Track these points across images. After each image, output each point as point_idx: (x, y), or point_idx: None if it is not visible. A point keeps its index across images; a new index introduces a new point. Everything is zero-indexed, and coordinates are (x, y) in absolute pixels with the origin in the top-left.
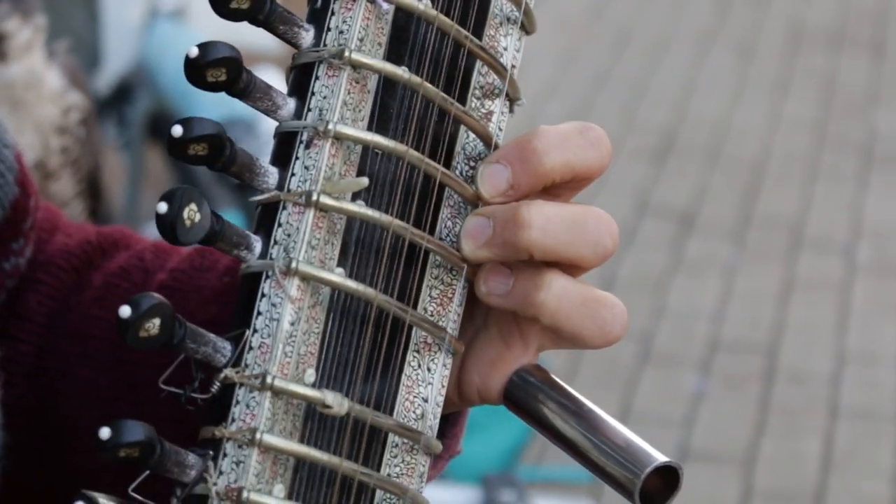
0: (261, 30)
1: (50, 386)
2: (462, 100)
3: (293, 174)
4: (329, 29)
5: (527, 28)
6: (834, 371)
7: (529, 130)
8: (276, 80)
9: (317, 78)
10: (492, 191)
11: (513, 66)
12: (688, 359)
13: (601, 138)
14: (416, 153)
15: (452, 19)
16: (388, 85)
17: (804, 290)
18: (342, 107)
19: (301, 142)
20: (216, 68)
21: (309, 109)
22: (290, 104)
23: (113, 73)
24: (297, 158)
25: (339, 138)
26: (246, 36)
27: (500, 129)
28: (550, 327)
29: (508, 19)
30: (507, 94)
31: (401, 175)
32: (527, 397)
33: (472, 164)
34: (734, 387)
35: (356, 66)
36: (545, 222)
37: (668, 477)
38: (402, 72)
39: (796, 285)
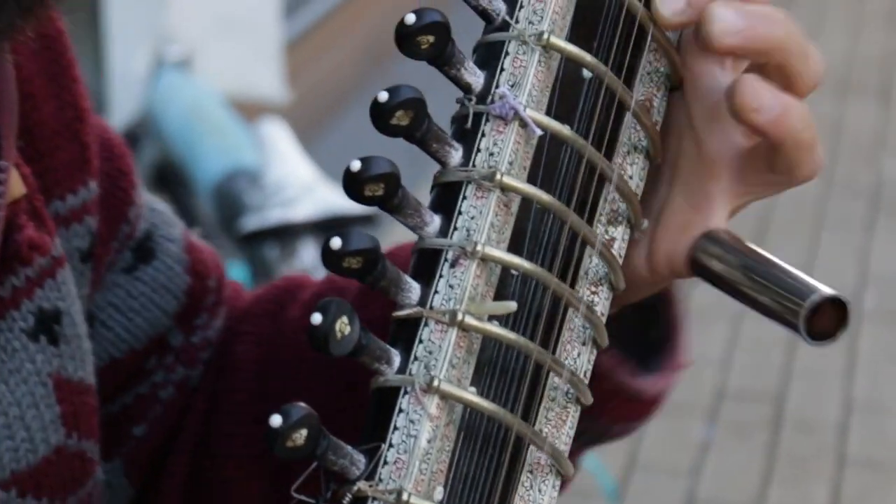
0: (266, 78)
1: None
2: (590, 224)
3: (437, 292)
4: (479, 150)
5: (652, 157)
6: (841, 419)
7: None
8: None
9: (464, 198)
10: (672, 9)
11: (636, 193)
12: (695, 407)
13: None
14: (550, 276)
15: (589, 143)
16: (529, 208)
17: None
18: (489, 228)
19: (446, 260)
20: (375, 183)
21: (455, 228)
22: (436, 221)
23: (118, 122)
24: (440, 276)
25: (485, 259)
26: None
27: (621, 256)
28: (786, 156)
29: (636, 148)
30: (629, 221)
31: (533, 297)
32: (711, 261)
33: (593, 288)
34: (741, 435)
35: (505, 189)
36: (791, 29)
37: (836, 311)
38: (549, 197)
39: None
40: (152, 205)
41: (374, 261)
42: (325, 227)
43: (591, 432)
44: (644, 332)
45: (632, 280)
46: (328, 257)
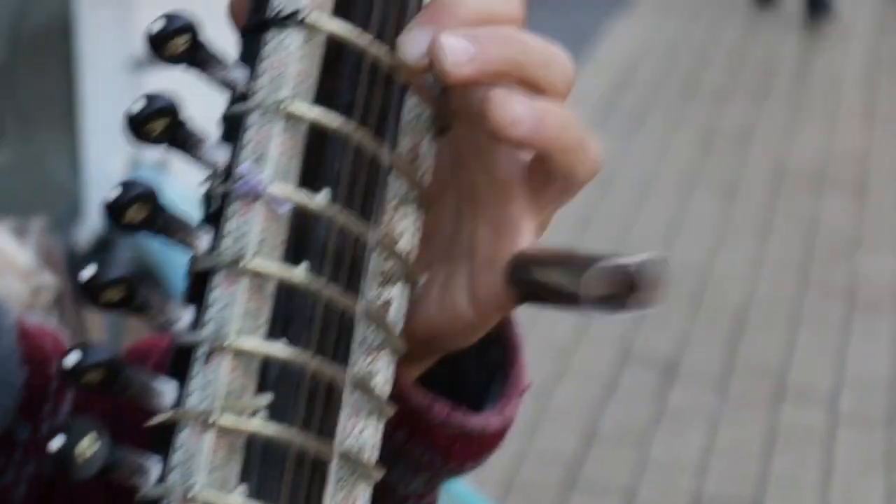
0: None
1: None
2: (362, 291)
3: (192, 392)
4: (225, 234)
5: (422, 206)
6: None
7: None
8: None
9: (213, 287)
10: (415, 52)
11: (411, 248)
12: None
13: None
14: (316, 362)
15: (347, 208)
16: (286, 289)
17: (787, 442)
18: (242, 317)
19: (199, 357)
20: (113, 288)
21: (206, 321)
22: (187, 316)
23: (95, 224)
24: (195, 374)
25: (239, 352)
26: None
27: (401, 317)
28: (555, 163)
29: (405, 200)
30: (405, 278)
31: (299, 382)
32: (527, 278)
33: (370, 358)
34: None
35: (255, 274)
36: (525, 39)
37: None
38: (303, 276)
39: (779, 437)
40: None
41: (116, 371)
42: None
43: (443, 475)
44: (482, 356)
45: (461, 327)
46: (68, 373)
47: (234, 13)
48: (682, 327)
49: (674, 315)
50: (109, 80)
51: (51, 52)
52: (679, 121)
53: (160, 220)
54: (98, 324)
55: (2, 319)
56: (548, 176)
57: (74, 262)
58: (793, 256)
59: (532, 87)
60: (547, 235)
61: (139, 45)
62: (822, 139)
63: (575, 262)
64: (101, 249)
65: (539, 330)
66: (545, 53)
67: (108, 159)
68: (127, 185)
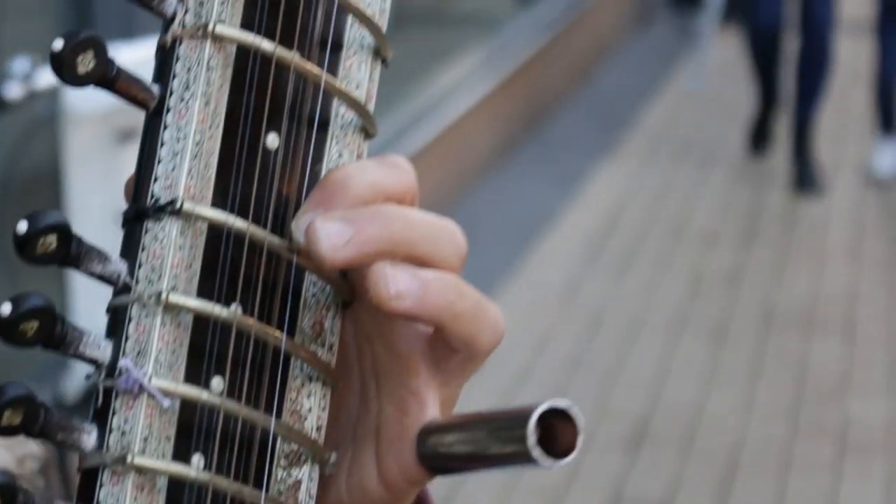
0: None
1: None
2: (269, 476)
3: None
4: (111, 430)
5: (329, 383)
6: None
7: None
8: None
9: (101, 485)
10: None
11: (318, 427)
12: None
13: (399, 160)
14: None
15: (249, 399)
16: (177, 484)
17: None
18: None
19: None
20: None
21: None
22: None
23: (83, 376)
24: None
25: None
26: None
27: (311, 497)
28: (451, 334)
29: (310, 378)
30: (313, 458)
31: None
32: (438, 451)
33: None
34: None
35: (141, 471)
36: (406, 216)
37: (566, 422)
38: (190, 471)
39: None
40: None
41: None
42: None
43: None
44: None
45: (372, 501)
46: None
47: (127, 195)
48: (673, 470)
49: (665, 458)
50: (98, 231)
51: (40, 201)
52: (667, 263)
53: (38, 423)
54: None
55: None
56: (448, 347)
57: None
58: (783, 399)
59: (421, 262)
60: (536, 378)
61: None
62: (810, 281)
63: (486, 424)
64: (89, 403)
65: (528, 474)
66: (431, 228)
67: (97, 310)
68: None
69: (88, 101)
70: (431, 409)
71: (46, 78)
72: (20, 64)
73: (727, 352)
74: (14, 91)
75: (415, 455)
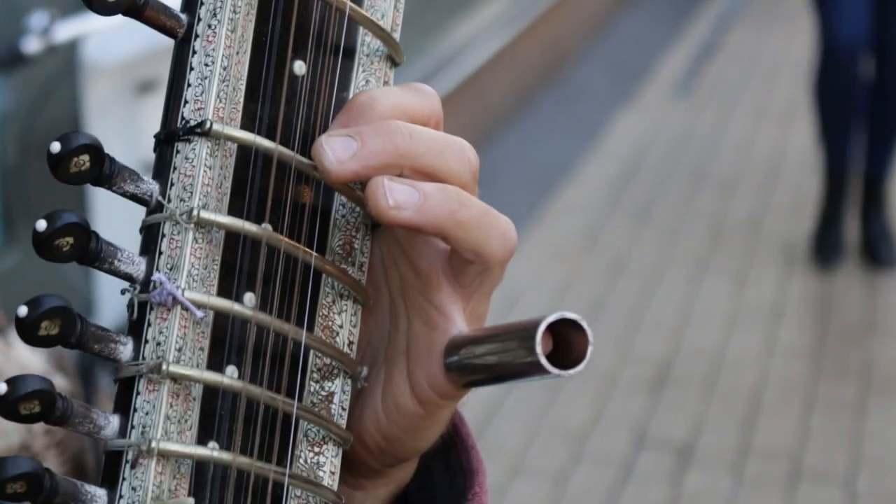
0: None
1: None
2: (301, 387)
3: (121, 496)
4: (147, 341)
5: (361, 301)
6: None
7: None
8: None
9: (138, 393)
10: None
11: (350, 342)
12: None
13: (423, 87)
14: (248, 460)
15: (281, 314)
16: (211, 392)
17: None
18: (165, 421)
19: (127, 461)
20: (28, 401)
21: (132, 427)
22: (114, 422)
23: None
24: (123, 479)
25: (165, 455)
26: None
27: (344, 409)
28: (458, 243)
29: (342, 295)
30: (345, 372)
31: (242, 482)
32: (464, 363)
33: (316, 449)
34: None
35: (176, 379)
36: (412, 130)
37: (578, 339)
38: (223, 379)
39: None
40: None
41: (39, 483)
42: None
43: None
44: (451, 482)
45: (409, 424)
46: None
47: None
48: (696, 411)
49: (688, 399)
50: None
51: None
52: (688, 209)
53: (76, 332)
54: None
55: None
56: (462, 259)
57: (88, 362)
58: (805, 340)
59: (428, 176)
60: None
61: (147, 148)
62: None
63: (503, 335)
64: None
65: (553, 415)
66: (437, 142)
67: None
68: (34, 303)
69: (107, 54)
70: (458, 323)
71: (65, 31)
72: (38, 18)
73: (749, 294)
74: (33, 45)
75: (442, 368)
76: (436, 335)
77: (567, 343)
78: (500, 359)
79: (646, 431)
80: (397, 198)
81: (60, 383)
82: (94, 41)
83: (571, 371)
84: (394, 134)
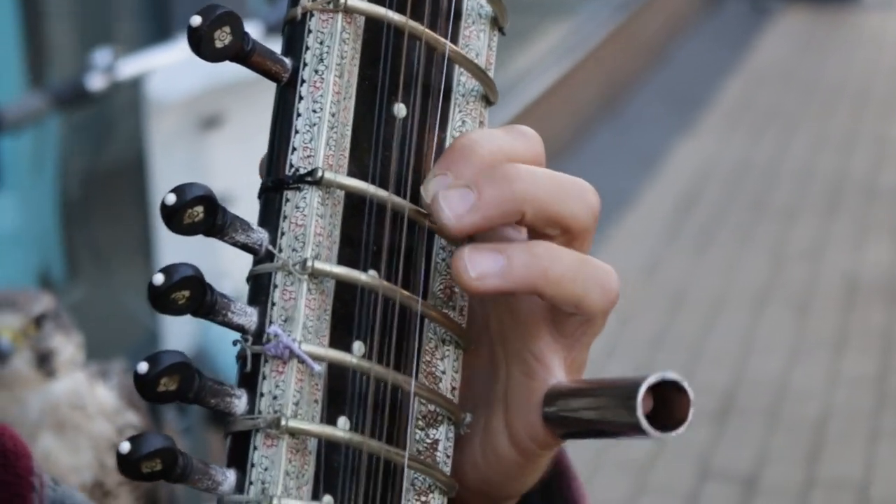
0: None
1: None
2: (408, 435)
3: None
4: (262, 394)
5: (462, 345)
6: None
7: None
8: None
9: (255, 448)
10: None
11: (453, 388)
12: None
13: (525, 129)
14: None
15: (387, 361)
16: (328, 446)
17: None
18: (285, 477)
19: None
20: (150, 460)
21: (250, 482)
22: (231, 478)
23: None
24: None
25: None
26: None
27: (448, 456)
28: (554, 299)
29: (444, 340)
30: (449, 419)
31: None
32: (562, 415)
33: (423, 498)
34: None
35: (294, 434)
36: (531, 174)
37: (678, 394)
38: (344, 432)
39: None
40: (61, 501)
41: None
42: None
43: None
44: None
45: (508, 470)
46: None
47: (261, 170)
48: (760, 442)
49: (752, 430)
50: None
51: (125, 190)
52: (748, 238)
53: (194, 388)
54: None
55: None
56: (562, 311)
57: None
58: (868, 369)
59: (550, 222)
60: (619, 355)
61: (213, 183)
62: (893, 251)
63: (602, 391)
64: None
65: (616, 447)
66: (558, 185)
67: None
68: (154, 359)
69: (171, 90)
70: (557, 373)
71: (129, 68)
72: (102, 56)
73: (811, 324)
74: (97, 82)
75: (541, 418)
76: (535, 384)
77: (667, 402)
78: (600, 415)
79: (709, 463)
80: (480, 269)
81: (132, 419)
82: (158, 77)
83: (672, 433)
84: (512, 181)
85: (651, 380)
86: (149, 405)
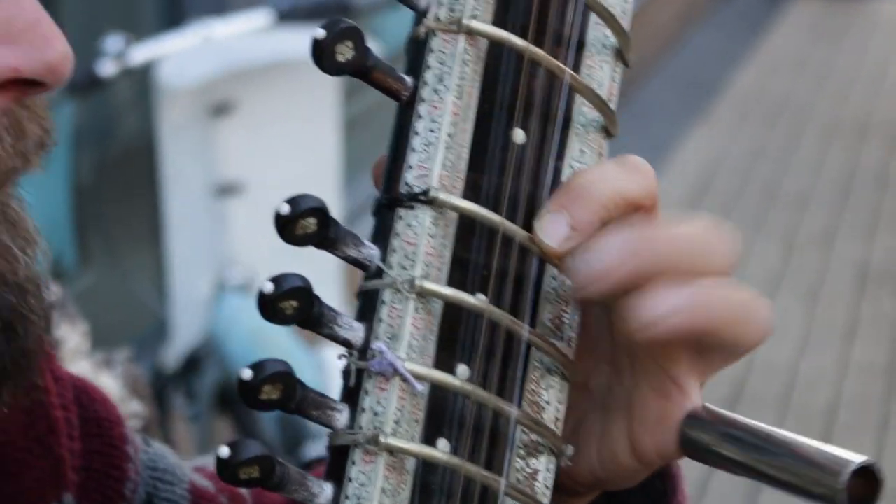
0: (327, 300)
1: None
2: (503, 463)
3: None
4: (363, 410)
5: (568, 377)
6: None
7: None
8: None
9: (353, 463)
10: (556, 239)
11: (557, 420)
12: None
13: (639, 163)
14: None
15: (491, 387)
16: (423, 465)
17: None
18: (381, 495)
19: None
20: (248, 466)
21: (346, 497)
22: (328, 491)
23: (182, 345)
24: None
25: None
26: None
27: (547, 488)
28: (716, 338)
29: (549, 370)
30: (551, 450)
31: None
32: (705, 444)
33: None
34: None
35: (392, 451)
36: (662, 236)
37: (867, 478)
38: (442, 454)
39: None
40: (154, 463)
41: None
42: None
43: None
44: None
45: (624, 473)
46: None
47: (376, 181)
48: None
49: (762, 417)
50: (195, 203)
51: (135, 174)
52: (760, 226)
53: (296, 398)
54: (187, 440)
55: (172, 487)
56: (712, 345)
57: (161, 384)
58: (880, 357)
59: (689, 275)
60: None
61: (223, 170)
62: None
63: (775, 447)
64: (189, 369)
65: None
66: (692, 241)
67: (193, 280)
68: (258, 366)
69: (181, 77)
70: (694, 397)
71: (140, 54)
72: (114, 42)
73: (822, 312)
74: (108, 68)
75: (676, 439)
76: (669, 406)
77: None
78: (758, 464)
79: None
80: (646, 318)
81: (137, 408)
82: (169, 64)
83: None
84: (647, 246)
85: (854, 466)
86: (154, 393)
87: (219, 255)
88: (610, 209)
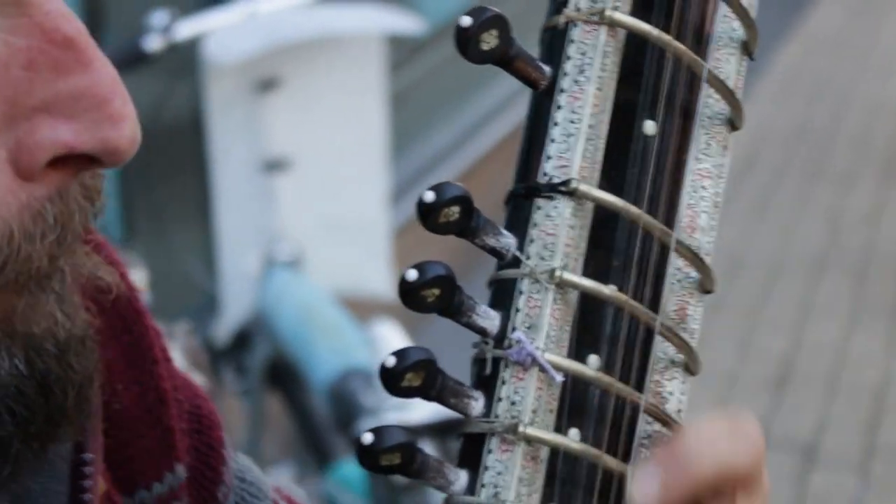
0: (375, 275)
1: None
2: (629, 453)
3: None
4: (500, 399)
5: (692, 370)
6: None
7: (679, 433)
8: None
9: (489, 451)
10: (643, 495)
11: (679, 411)
12: None
13: (750, 434)
14: None
15: (619, 378)
16: (558, 457)
17: None
18: (518, 483)
19: None
20: (391, 453)
21: (483, 485)
22: (462, 478)
23: (232, 321)
24: None
25: None
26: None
27: None
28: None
29: (673, 362)
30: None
31: None
32: None
33: None
34: None
35: (531, 441)
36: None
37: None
38: (579, 445)
39: None
40: (242, 474)
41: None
42: (442, 429)
43: None
44: None
45: None
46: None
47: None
48: (819, 410)
49: (810, 398)
50: (242, 179)
51: (184, 151)
52: (805, 204)
53: (436, 386)
54: (238, 415)
55: (259, 502)
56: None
57: (212, 359)
58: None
59: None
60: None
61: (270, 146)
62: None
63: None
64: (239, 345)
65: None
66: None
67: (242, 256)
68: (401, 354)
69: (228, 52)
70: None
71: (186, 30)
72: (159, 17)
73: (869, 290)
74: (154, 44)
75: None
76: None
77: None
78: None
79: (770, 430)
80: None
81: (198, 379)
82: (216, 39)
83: None
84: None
85: None
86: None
87: (267, 231)
88: (708, 480)
